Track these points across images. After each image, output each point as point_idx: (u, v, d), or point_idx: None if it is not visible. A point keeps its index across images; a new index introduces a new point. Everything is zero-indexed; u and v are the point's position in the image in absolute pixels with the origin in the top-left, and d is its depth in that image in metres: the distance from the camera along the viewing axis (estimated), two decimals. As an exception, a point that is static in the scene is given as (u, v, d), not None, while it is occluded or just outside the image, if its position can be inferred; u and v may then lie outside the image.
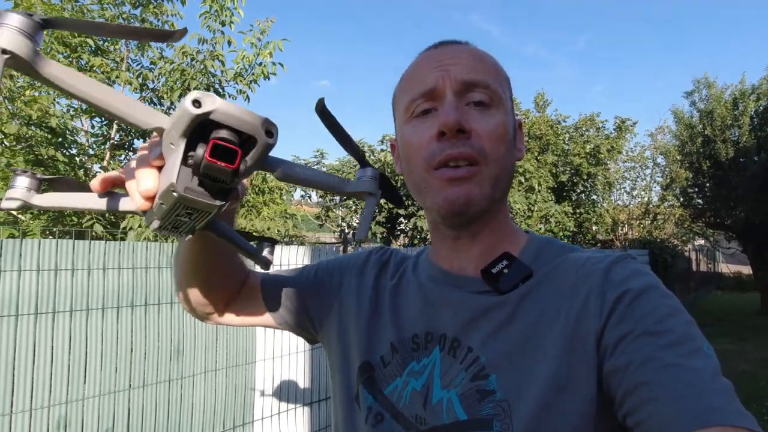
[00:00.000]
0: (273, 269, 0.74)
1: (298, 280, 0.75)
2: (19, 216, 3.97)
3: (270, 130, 0.36)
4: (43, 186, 0.50)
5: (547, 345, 0.53)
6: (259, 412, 2.63)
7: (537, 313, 0.56)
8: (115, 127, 4.54)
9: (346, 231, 7.78)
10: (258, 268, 0.67)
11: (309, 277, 0.75)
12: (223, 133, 0.34)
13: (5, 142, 3.74)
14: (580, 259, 0.59)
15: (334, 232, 8.46)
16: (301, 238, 7.16)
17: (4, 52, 0.30)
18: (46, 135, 3.83)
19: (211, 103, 0.33)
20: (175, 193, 0.35)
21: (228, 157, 0.34)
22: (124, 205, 0.45)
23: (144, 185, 0.37)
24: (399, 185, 7.10)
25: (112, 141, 4.58)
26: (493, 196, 0.60)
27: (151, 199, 0.38)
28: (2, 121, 3.58)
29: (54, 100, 4.01)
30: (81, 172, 4.12)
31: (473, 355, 0.57)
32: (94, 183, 0.45)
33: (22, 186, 0.48)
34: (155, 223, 0.40)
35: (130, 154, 5.00)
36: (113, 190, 0.47)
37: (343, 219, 8.02)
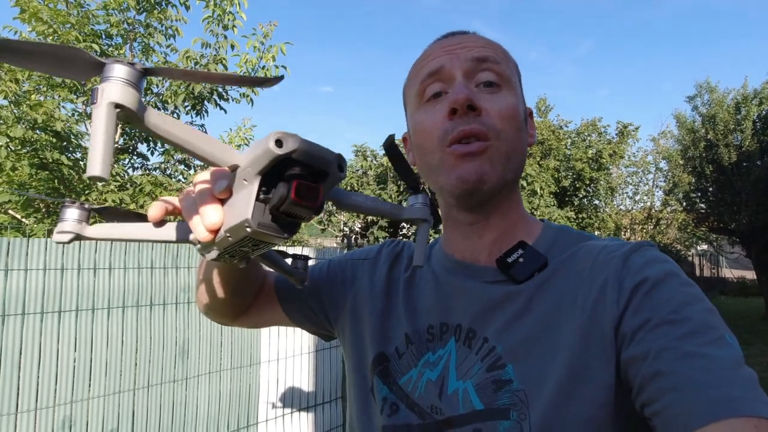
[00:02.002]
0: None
1: (311, 278, 0.75)
2: (23, 219, 3.98)
3: (341, 164, 0.37)
4: (91, 216, 0.50)
5: (564, 334, 0.53)
6: (263, 414, 2.62)
7: (553, 301, 0.55)
8: (119, 131, 4.56)
9: (350, 235, 7.77)
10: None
11: (322, 274, 0.75)
12: (298, 170, 0.35)
13: (11, 146, 3.76)
14: (596, 247, 0.58)
15: (336, 236, 8.45)
16: (303, 243, 7.16)
17: (117, 106, 0.30)
18: (50, 139, 3.85)
19: (293, 143, 0.34)
20: (249, 229, 0.35)
21: (309, 194, 0.35)
22: (181, 234, 0.45)
23: (210, 219, 0.37)
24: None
25: (116, 145, 4.60)
26: (505, 176, 0.59)
27: (215, 232, 0.38)
28: (8, 124, 3.60)
29: (59, 104, 4.04)
30: (86, 176, 4.13)
31: (489, 345, 0.57)
32: (153, 212, 0.45)
33: (72, 218, 0.48)
34: (213, 254, 0.40)
35: (134, 158, 5.03)
36: (166, 219, 0.46)
37: (345, 224, 8.02)
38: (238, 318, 0.74)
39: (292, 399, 2.74)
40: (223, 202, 0.38)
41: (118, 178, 4.41)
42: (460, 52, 0.60)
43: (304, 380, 2.82)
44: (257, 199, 0.35)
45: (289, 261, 0.54)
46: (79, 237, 0.48)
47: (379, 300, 0.69)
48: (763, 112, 9.89)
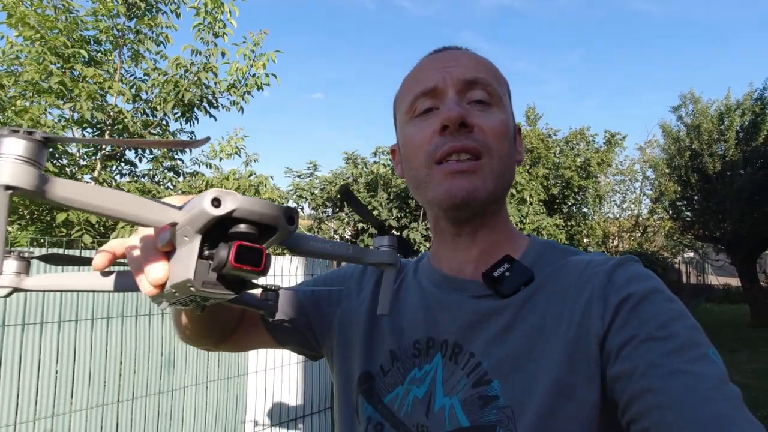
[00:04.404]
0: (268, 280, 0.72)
1: (297, 298, 0.74)
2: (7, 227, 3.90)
3: (291, 216, 0.35)
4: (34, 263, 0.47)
5: (550, 349, 0.53)
6: (251, 426, 2.58)
7: (539, 317, 0.55)
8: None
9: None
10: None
11: (307, 293, 0.74)
12: (243, 227, 0.33)
13: (-6, 152, 3.69)
14: (582, 262, 0.58)
15: (326, 244, 8.42)
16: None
17: (7, 188, 0.27)
18: (36, 145, 3.78)
19: (232, 203, 0.32)
20: (192, 288, 0.34)
21: (251, 258, 0.33)
22: (128, 284, 0.43)
23: (154, 275, 0.36)
24: (398, 195, 7.11)
25: (103, 152, 4.55)
26: (495, 192, 0.60)
27: (161, 287, 0.37)
28: (-8, 130, 3.54)
29: (45, 110, 3.98)
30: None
31: (475, 360, 0.56)
32: (98, 262, 0.42)
33: (9, 270, 0.45)
34: (164, 304, 0.39)
35: (122, 165, 4.97)
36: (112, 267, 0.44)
37: (335, 231, 8.00)
38: (220, 345, 0.72)
39: (280, 410, 2.71)
40: (168, 255, 0.37)
41: (105, 185, 4.35)
42: (454, 70, 0.61)
43: (293, 391, 2.79)
44: (200, 256, 0.34)
45: (258, 291, 0.52)
46: (17, 290, 0.45)
47: (365, 319, 0.68)
48: (746, 123, 10.09)
